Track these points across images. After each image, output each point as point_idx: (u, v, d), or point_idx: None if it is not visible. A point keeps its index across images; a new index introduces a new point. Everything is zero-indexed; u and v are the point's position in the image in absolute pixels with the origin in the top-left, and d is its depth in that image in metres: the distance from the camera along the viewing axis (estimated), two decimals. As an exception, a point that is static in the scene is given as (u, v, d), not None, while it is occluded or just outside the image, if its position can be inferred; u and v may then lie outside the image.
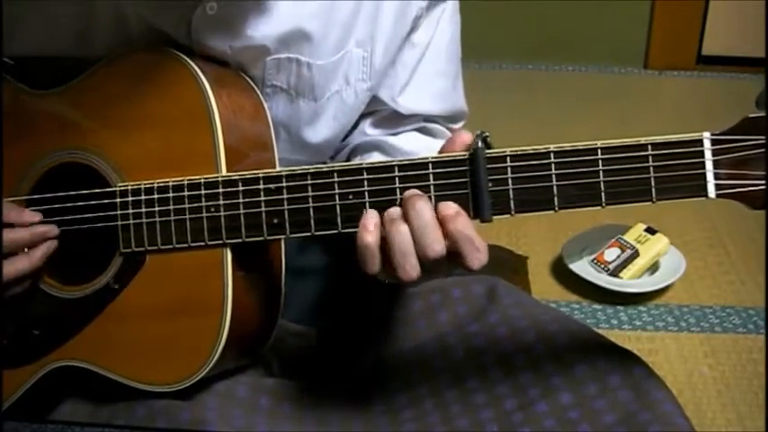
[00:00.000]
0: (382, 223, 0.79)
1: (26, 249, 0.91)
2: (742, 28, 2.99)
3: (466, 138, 0.80)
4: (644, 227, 2.09)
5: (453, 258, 0.78)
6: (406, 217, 0.79)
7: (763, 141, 0.75)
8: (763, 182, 0.76)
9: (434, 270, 0.80)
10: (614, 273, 2.03)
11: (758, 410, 1.70)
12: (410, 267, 0.78)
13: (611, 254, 2.06)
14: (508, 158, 0.78)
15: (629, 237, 2.08)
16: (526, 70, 3.11)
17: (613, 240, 2.08)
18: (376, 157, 1.03)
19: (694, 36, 3.05)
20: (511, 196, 0.79)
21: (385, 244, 0.79)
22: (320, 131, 1.01)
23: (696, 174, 0.77)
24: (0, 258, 0.89)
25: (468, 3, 1.21)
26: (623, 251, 2.05)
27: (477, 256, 0.77)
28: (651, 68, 3.10)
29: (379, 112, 1.05)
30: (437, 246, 0.77)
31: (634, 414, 0.87)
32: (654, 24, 3.04)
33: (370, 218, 0.79)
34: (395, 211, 0.79)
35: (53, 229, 0.92)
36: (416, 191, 0.80)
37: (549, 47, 3.09)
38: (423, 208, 0.78)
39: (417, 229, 0.78)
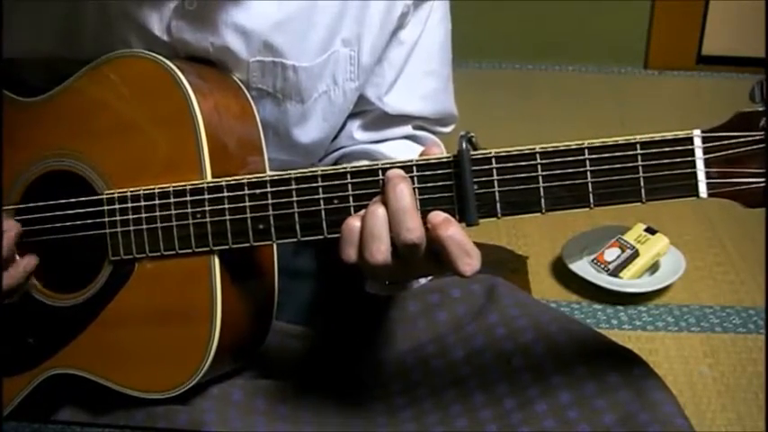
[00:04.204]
0: None
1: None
2: (742, 28, 2.99)
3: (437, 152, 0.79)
4: (644, 227, 2.09)
5: (445, 265, 0.77)
6: (385, 197, 0.78)
7: (757, 137, 0.73)
8: (759, 179, 0.73)
9: (411, 262, 0.78)
10: (614, 273, 2.03)
11: (758, 410, 1.70)
12: (377, 251, 0.77)
13: (611, 254, 2.06)
14: (493, 160, 0.77)
15: (629, 237, 2.08)
16: (526, 70, 3.11)
17: (613, 240, 2.08)
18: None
19: (694, 36, 3.05)
20: (497, 198, 0.77)
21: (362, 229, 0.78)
22: (310, 132, 1.00)
23: (686, 173, 0.75)
24: (0, 263, 0.90)
25: (469, 3, 1.21)
26: (623, 251, 2.05)
27: (469, 262, 0.76)
28: (651, 68, 3.10)
29: (366, 113, 1.04)
30: (413, 234, 0.76)
31: (633, 414, 0.86)
32: (654, 24, 3.04)
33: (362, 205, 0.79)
34: (378, 197, 0.79)
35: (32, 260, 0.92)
36: (400, 171, 0.78)
37: (549, 47, 3.09)
38: (403, 191, 0.77)
39: (395, 211, 0.77)
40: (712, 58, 3.07)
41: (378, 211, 0.78)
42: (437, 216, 0.77)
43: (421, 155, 0.80)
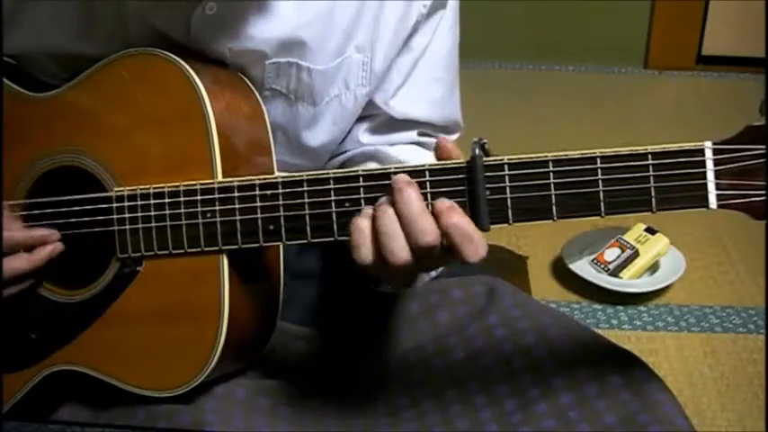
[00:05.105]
0: None
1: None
2: (742, 28, 2.99)
3: (454, 154, 0.79)
4: (644, 227, 2.09)
5: (450, 252, 0.77)
6: (394, 205, 0.77)
7: (765, 151, 0.73)
8: (765, 192, 0.74)
9: (427, 259, 0.78)
10: (614, 273, 2.03)
11: (758, 410, 1.70)
12: (398, 249, 0.77)
13: (611, 254, 2.06)
14: (506, 167, 0.77)
15: (629, 237, 2.08)
16: (526, 70, 3.11)
17: (613, 240, 2.08)
18: (372, 167, 1.02)
19: (694, 36, 3.05)
20: (509, 205, 0.77)
21: (376, 231, 0.78)
22: (319, 136, 1.00)
23: (697, 184, 0.75)
24: (0, 259, 0.89)
25: (469, 3, 1.21)
26: (623, 251, 2.05)
27: (473, 248, 0.76)
28: (651, 68, 3.10)
29: (373, 117, 1.04)
30: (428, 236, 0.76)
31: (634, 415, 0.86)
32: (654, 24, 3.04)
33: (368, 206, 0.79)
34: (385, 198, 0.79)
35: (53, 234, 0.92)
36: (405, 176, 0.78)
37: (549, 47, 3.09)
38: (410, 196, 0.77)
39: (406, 217, 0.76)
40: (712, 58, 3.08)
41: (388, 211, 0.77)
42: (442, 203, 0.77)
43: (437, 151, 0.80)
